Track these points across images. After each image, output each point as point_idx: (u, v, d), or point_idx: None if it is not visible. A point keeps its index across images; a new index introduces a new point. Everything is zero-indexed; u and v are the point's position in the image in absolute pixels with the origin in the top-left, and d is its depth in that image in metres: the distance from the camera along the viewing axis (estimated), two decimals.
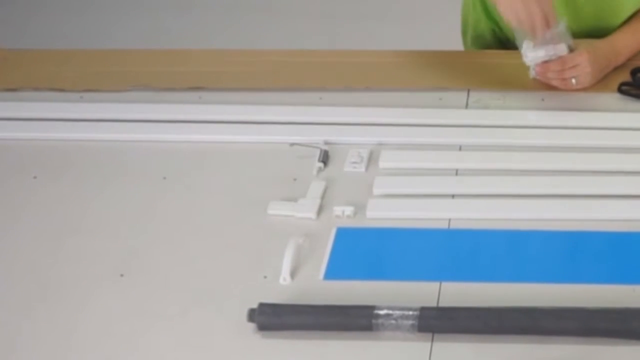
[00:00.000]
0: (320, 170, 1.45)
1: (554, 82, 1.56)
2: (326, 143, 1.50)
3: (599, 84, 1.60)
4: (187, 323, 1.22)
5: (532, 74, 1.57)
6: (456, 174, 1.44)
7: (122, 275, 1.29)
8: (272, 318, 1.18)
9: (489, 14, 1.79)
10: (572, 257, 1.27)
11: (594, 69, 1.56)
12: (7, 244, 1.37)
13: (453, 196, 1.39)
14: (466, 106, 1.58)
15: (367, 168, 1.45)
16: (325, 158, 1.47)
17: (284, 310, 1.19)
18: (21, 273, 1.31)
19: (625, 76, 1.60)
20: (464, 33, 1.87)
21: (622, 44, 1.62)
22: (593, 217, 1.33)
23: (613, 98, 1.58)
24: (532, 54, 1.52)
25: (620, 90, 1.58)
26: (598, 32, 1.66)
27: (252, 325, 1.19)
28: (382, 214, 1.36)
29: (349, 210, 1.36)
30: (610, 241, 1.29)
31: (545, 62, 1.53)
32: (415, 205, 1.38)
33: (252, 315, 1.19)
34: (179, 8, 3.60)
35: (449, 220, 1.35)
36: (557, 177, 1.41)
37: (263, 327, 1.19)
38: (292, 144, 1.49)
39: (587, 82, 1.57)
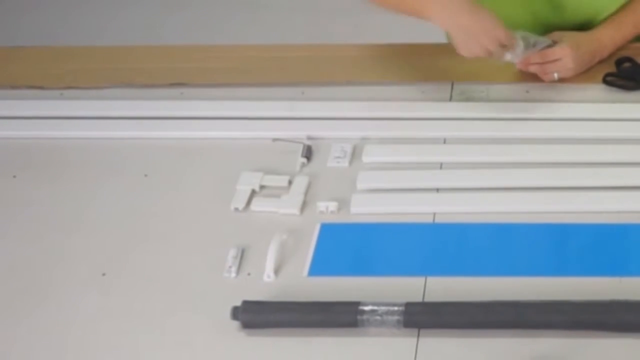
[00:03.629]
0: (303, 165, 1.44)
1: (537, 73, 1.56)
2: (309, 138, 1.49)
3: (583, 75, 1.59)
4: (170, 321, 1.21)
5: (517, 65, 1.56)
6: (440, 168, 1.43)
7: (104, 274, 1.28)
8: (256, 315, 1.18)
9: None
10: (558, 249, 1.27)
11: (577, 64, 1.56)
12: None
13: (438, 190, 1.39)
14: (450, 99, 1.58)
15: (350, 163, 1.45)
16: (308, 153, 1.46)
17: (268, 307, 1.18)
18: (1, 273, 1.30)
19: (610, 67, 1.60)
20: None
21: (608, 38, 1.62)
22: (579, 209, 1.33)
23: (598, 89, 1.57)
24: (509, 57, 1.51)
25: (605, 81, 1.58)
26: (581, 26, 1.66)
27: (236, 323, 1.18)
28: (366, 209, 1.35)
29: (332, 205, 1.35)
30: (596, 233, 1.29)
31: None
32: (400, 199, 1.37)
33: (236, 313, 1.18)
34: (161, 4, 3.59)
35: (434, 214, 1.34)
36: (542, 170, 1.40)
37: (247, 325, 1.18)
38: (274, 140, 1.48)
39: (570, 75, 1.57)
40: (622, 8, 1.65)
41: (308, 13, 3.28)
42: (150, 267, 1.29)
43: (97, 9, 3.61)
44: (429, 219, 1.34)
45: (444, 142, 1.48)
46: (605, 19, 1.64)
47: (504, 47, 1.46)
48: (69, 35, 3.34)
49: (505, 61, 1.51)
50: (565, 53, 1.54)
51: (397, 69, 1.65)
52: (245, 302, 1.18)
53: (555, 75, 1.56)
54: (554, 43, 1.55)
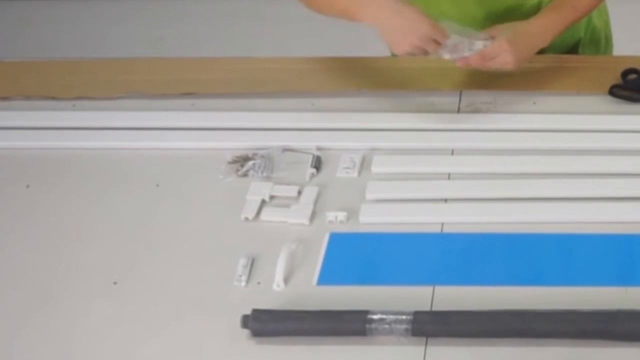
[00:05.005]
0: (312, 175, 1.46)
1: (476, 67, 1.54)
2: (318, 149, 1.50)
3: (590, 86, 1.60)
4: (180, 330, 1.22)
5: (457, 63, 1.54)
6: (448, 178, 1.44)
7: (115, 283, 1.30)
8: (266, 324, 1.19)
9: None
10: (564, 259, 1.28)
11: (516, 57, 1.52)
12: (0, 253, 1.37)
13: (446, 200, 1.40)
14: (458, 110, 1.59)
15: (359, 173, 1.46)
16: (317, 164, 1.47)
17: (277, 316, 1.19)
18: (15, 282, 1.32)
19: (617, 78, 1.60)
20: None
21: (549, 25, 1.58)
22: (585, 220, 1.34)
23: (604, 100, 1.58)
24: (447, 56, 1.52)
25: (611, 92, 1.58)
26: (517, 14, 1.64)
27: (246, 332, 1.19)
28: (375, 218, 1.37)
29: (341, 215, 1.36)
30: (602, 243, 1.29)
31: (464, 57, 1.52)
32: (408, 209, 1.38)
33: (246, 321, 1.19)
34: (171, 17, 3.60)
35: (442, 224, 1.35)
36: (549, 180, 1.41)
37: (257, 333, 1.19)
38: (284, 150, 1.50)
39: (511, 68, 1.53)
40: None
41: (316, 25, 3.29)
42: (161, 275, 1.30)
43: (105, 21, 3.63)
44: (437, 229, 1.35)
45: (452, 153, 1.49)
46: (545, 6, 1.62)
47: (437, 43, 1.46)
48: (77, 48, 3.36)
49: (444, 58, 1.50)
50: (502, 49, 1.51)
51: (405, 81, 1.66)
52: (255, 311, 1.20)
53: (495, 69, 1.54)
54: (491, 38, 1.52)
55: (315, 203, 1.40)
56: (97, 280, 1.30)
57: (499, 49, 1.51)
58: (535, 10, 1.65)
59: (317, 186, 1.43)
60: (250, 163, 1.47)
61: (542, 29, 1.57)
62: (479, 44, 1.51)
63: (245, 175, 1.46)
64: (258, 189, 1.42)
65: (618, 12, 1.92)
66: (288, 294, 1.25)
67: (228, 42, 3.30)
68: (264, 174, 1.46)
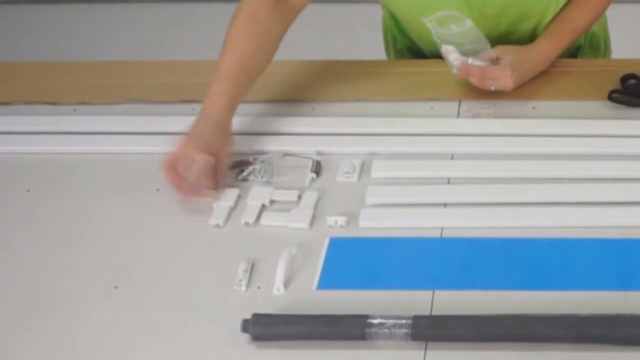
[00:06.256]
0: (312, 180, 1.46)
1: (474, 82, 1.57)
2: (318, 153, 1.51)
3: (589, 91, 1.61)
4: (181, 334, 1.22)
5: (453, 71, 1.57)
6: (448, 183, 1.44)
7: (116, 287, 1.30)
8: (266, 328, 1.19)
9: (402, 30, 1.80)
10: (564, 264, 1.28)
11: (516, 82, 1.56)
12: (0, 258, 1.37)
13: (445, 205, 1.40)
14: (457, 115, 1.59)
15: (359, 178, 1.46)
16: (317, 168, 1.47)
17: (277, 320, 1.20)
18: (15, 286, 1.32)
19: (616, 83, 1.61)
20: (387, 49, 1.89)
21: (550, 50, 1.62)
22: (585, 224, 1.34)
23: (603, 105, 1.59)
24: (452, 56, 1.55)
25: (610, 97, 1.59)
26: (513, 39, 1.66)
27: (246, 336, 1.19)
28: (375, 223, 1.37)
29: (341, 220, 1.37)
30: (602, 248, 1.30)
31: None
32: (408, 214, 1.38)
33: (246, 325, 1.19)
34: (173, 20, 3.61)
35: (442, 228, 1.35)
36: (548, 185, 1.42)
37: (257, 338, 1.19)
38: (284, 155, 1.50)
39: (508, 90, 1.57)
40: (559, 17, 1.65)
41: (316, 29, 3.30)
42: (161, 280, 1.31)
43: (106, 24, 3.64)
44: (436, 234, 1.35)
45: (452, 158, 1.50)
46: (545, 31, 1.65)
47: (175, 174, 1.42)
48: (78, 52, 3.37)
49: (448, 55, 1.55)
50: (505, 74, 1.55)
51: (405, 85, 1.66)
52: (255, 315, 1.20)
53: (492, 88, 1.56)
54: (497, 59, 1.56)
55: (315, 208, 1.40)
56: (98, 284, 1.31)
57: (502, 72, 1.54)
58: (530, 35, 1.67)
59: (317, 191, 1.43)
60: (251, 168, 1.48)
61: (542, 55, 1.61)
62: (483, 61, 1.55)
63: (245, 179, 1.47)
64: (258, 194, 1.43)
65: (615, 15, 1.93)
66: (288, 298, 1.26)
67: None
68: (264, 179, 1.46)
